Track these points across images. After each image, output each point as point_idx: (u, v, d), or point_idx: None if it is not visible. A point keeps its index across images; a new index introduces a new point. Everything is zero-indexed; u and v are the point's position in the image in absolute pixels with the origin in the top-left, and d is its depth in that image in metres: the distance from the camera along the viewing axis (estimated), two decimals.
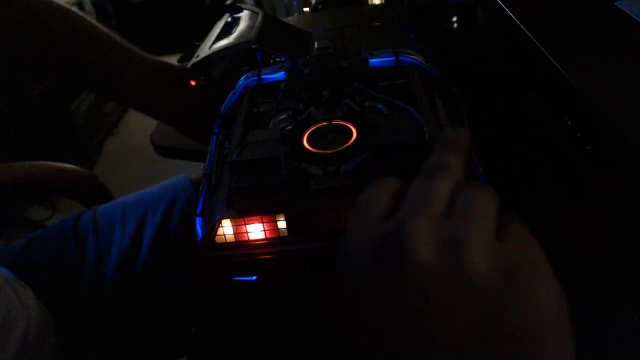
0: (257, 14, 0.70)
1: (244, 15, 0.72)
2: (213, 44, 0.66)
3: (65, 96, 1.98)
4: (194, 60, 0.64)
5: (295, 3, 1.52)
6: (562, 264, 0.49)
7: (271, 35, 0.65)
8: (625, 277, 0.45)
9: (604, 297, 0.45)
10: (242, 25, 0.68)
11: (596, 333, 0.43)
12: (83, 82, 0.71)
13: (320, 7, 1.18)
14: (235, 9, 0.74)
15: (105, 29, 0.64)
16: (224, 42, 0.65)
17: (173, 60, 1.08)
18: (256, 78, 0.55)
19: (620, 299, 0.44)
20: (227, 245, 0.42)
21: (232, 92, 0.56)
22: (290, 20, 0.88)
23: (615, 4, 0.53)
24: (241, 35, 0.65)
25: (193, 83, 0.64)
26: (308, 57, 0.53)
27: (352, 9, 0.96)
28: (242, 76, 0.57)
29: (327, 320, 0.50)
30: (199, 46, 0.97)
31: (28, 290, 0.51)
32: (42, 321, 0.49)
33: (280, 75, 0.54)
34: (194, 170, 0.70)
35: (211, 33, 0.70)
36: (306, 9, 1.34)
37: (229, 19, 0.73)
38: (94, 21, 0.64)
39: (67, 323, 0.56)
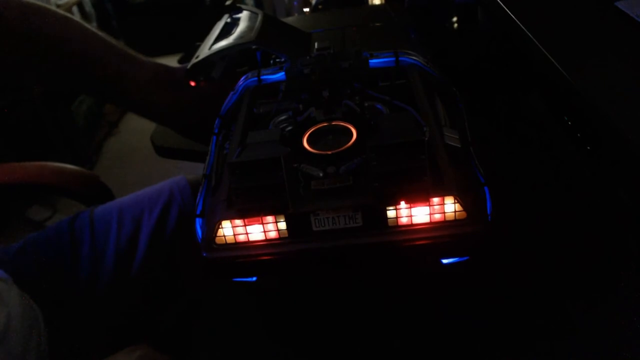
0: (257, 14, 0.70)
1: (244, 15, 0.72)
2: (212, 45, 0.65)
3: (65, 96, 1.98)
4: (194, 60, 0.64)
5: (295, 3, 1.52)
6: (562, 263, 0.49)
7: (271, 36, 0.65)
8: (625, 277, 0.45)
9: (604, 297, 0.45)
10: (242, 26, 0.68)
11: (596, 333, 0.43)
12: (81, 85, 0.71)
13: (320, 7, 1.18)
14: (235, 10, 0.74)
15: (101, 32, 0.64)
16: (223, 43, 0.65)
17: (173, 60, 1.08)
18: (256, 78, 0.55)
19: (620, 299, 0.44)
20: (226, 245, 0.42)
21: (232, 93, 0.55)
22: (290, 20, 0.88)
23: (615, 4, 0.52)
24: (241, 36, 0.65)
25: (192, 83, 0.64)
26: (308, 58, 0.53)
27: (352, 9, 0.96)
28: (241, 76, 0.57)
29: (327, 320, 0.50)
30: (199, 46, 0.97)
31: (12, 287, 0.51)
32: (26, 318, 0.49)
33: (280, 75, 0.54)
34: (194, 170, 0.70)
35: (211, 33, 0.70)
36: (306, 9, 1.34)
37: (229, 20, 0.73)
38: (89, 25, 0.64)
39: (62, 322, 0.56)
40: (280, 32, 0.71)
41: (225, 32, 0.69)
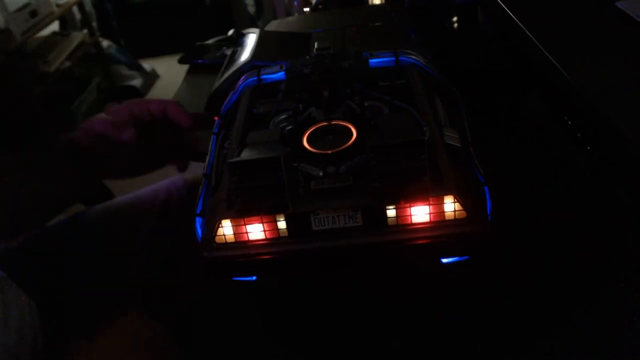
0: (255, 33, 0.73)
1: (244, 40, 0.74)
2: (221, 76, 0.68)
3: (65, 96, 1.98)
4: (208, 96, 0.66)
5: (295, 3, 1.52)
6: (562, 263, 0.49)
7: (267, 49, 0.67)
8: (625, 277, 0.45)
9: (604, 297, 0.45)
10: (243, 50, 0.71)
11: (596, 333, 0.43)
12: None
13: (320, 7, 1.18)
14: (238, 36, 0.76)
15: None
16: (229, 71, 0.67)
17: (173, 60, 1.08)
18: (256, 78, 0.55)
19: (620, 299, 0.44)
20: (226, 245, 0.42)
21: (232, 92, 0.56)
22: (290, 20, 0.88)
23: (615, 4, 0.53)
24: (241, 58, 0.67)
25: (215, 118, 0.66)
26: (308, 58, 0.53)
27: (352, 9, 0.96)
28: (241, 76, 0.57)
29: (327, 320, 0.50)
30: (199, 46, 0.97)
31: (10, 286, 0.51)
32: (24, 317, 0.50)
33: (280, 75, 0.54)
34: (194, 170, 0.70)
35: (222, 68, 0.73)
36: (306, 9, 1.34)
37: (235, 48, 0.75)
38: None
39: (61, 323, 0.56)
40: (277, 43, 0.73)
41: (231, 62, 0.71)
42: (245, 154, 0.41)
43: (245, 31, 0.78)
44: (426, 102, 0.47)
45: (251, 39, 0.72)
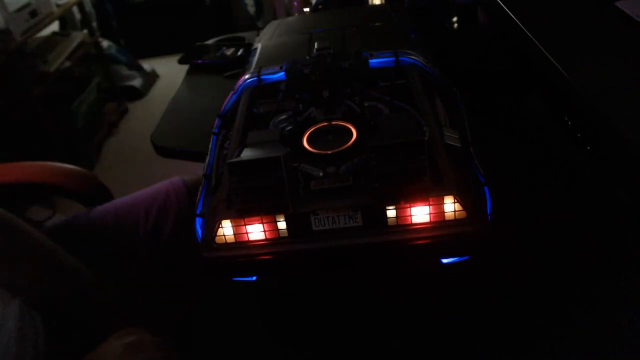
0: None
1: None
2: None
3: (65, 96, 1.98)
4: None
5: (295, 3, 1.52)
6: (562, 263, 0.49)
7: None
8: (625, 277, 0.45)
9: (604, 297, 0.45)
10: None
11: (596, 333, 0.43)
12: None
13: (320, 7, 1.17)
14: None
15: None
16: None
17: (173, 60, 1.08)
18: (256, 78, 0.55)
19: (620, 299, 0.44)
20: (226, 245, 0.42)
21: (232, 92, 0.55)
22: (290, 20, 0.88)
23: (615, 3, 0.52)
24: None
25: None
26: (308, 58, 0.53)
27: (352, 9, 0.96)
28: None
29: (327, 319, 0.50)
30: (199, 46, 0.97)
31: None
32: (23, 319, 0.50)
33: (280, 75, 0.54)
34: (194, 170, 0.70)
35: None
36: (306, 9, 1.34)
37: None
38: None
39: (60, 325, 0.56)
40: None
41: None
42: (245, 154, 0.41)
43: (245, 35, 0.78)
44: (426, 102, 0.47)
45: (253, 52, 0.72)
